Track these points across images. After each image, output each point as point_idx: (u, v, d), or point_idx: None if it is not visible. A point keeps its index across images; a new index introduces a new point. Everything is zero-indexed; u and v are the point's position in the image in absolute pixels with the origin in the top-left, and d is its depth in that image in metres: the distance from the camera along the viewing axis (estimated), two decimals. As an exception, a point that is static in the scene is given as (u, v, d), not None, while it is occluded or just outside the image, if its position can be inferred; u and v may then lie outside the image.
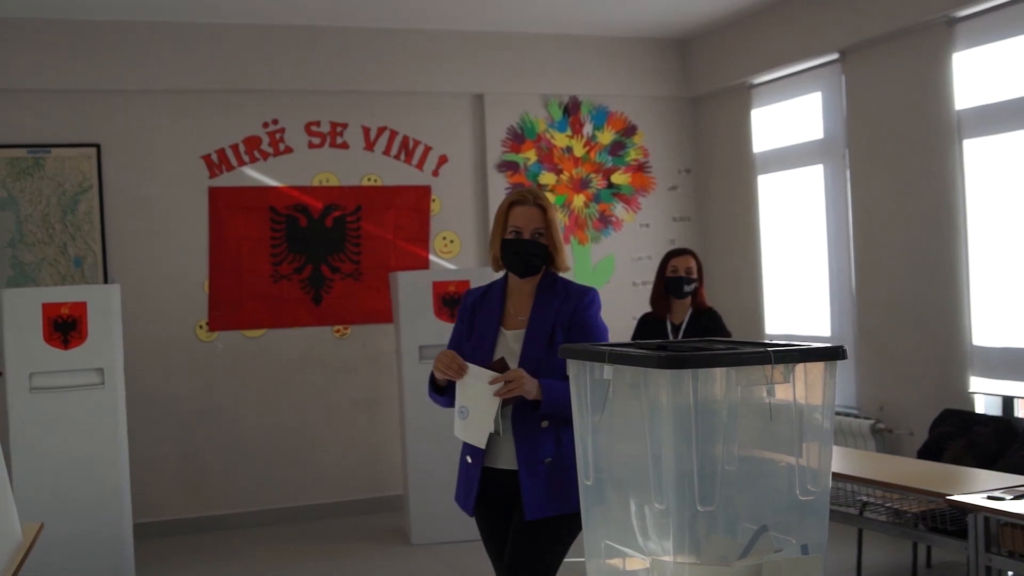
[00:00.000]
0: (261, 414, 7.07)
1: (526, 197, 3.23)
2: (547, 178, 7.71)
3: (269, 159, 7.13)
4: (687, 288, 5.28)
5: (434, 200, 7.48)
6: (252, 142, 7.09)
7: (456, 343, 3.30)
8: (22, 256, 6.57)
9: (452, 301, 6.41)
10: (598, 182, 7.85)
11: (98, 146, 6.73)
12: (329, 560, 6.09)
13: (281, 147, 7.15)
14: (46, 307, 5.57)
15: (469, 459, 3.20)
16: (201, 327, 6.96)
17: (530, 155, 7.68)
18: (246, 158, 7.08)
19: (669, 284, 5.32)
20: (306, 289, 7.20)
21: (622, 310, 7.84)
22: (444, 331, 6.35)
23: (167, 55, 6.83)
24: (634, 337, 5.44)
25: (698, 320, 5.31)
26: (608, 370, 2.27)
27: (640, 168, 7.97)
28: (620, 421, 2.33)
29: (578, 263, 7.78)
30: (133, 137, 6.83)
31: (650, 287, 8.07)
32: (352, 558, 6.12)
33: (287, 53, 7.07)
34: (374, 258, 7.32)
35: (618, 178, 7.90)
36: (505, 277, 3.31)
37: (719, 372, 2.09)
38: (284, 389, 7.11)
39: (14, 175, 6.56)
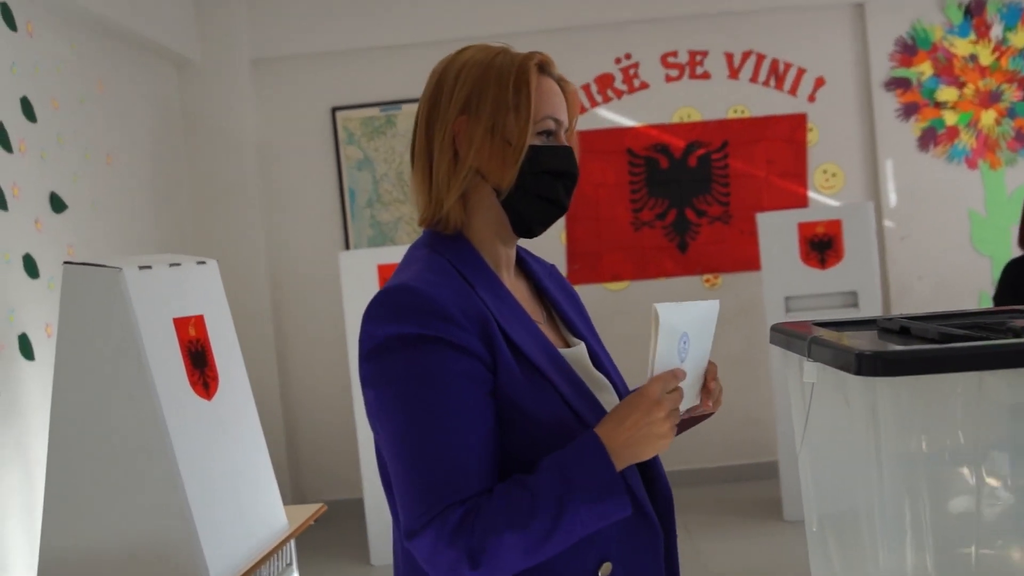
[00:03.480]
0: (626, 373, 6.51)
1: (551, 63, 1.62)
2: (947, 94, 6.52)
3: (623, 97, 6.54)
4: None
5: (811, 129, 6.55)
6: (604, 80, 6.54)
7: (504, 403, 1.48)
8: (380, 216, 6.46)
9: (822, 245, 5.52)
10: (1012, 94, 6.53)
11: (447, 97, 6.47)
12: (685, 533, 5.40)
13: (636, 83, 6.54)
14: (380, 268, 5.35)
15: None
16: (560, 282, 6.53)
17: (924, 68, 6.53)
18: (599, 98, 6.54)
19: None
20: (670, 236, 6.55)
21: (1050, 245, 6.53)
22: (811, 280, 5.55)
23: (511, -4, 6.44)
24: (1000, 288, 4.22)
25: None
26: (810, 370, 1.49)
27: (1067, 72, 6.57)
28: (829, 444, 1.55)
29: (989, 192, 6.54)
30: (482, 85, 6.51)
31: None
32: (712, 531, 5.43)
33: (637, -22, 6.45)
34: (744, 198, 6.53)
35: (1038, 87, 6.56)
36: (463, 244, 1.61)
37: (962, 379, 1.27)
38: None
39: (368, 135, 6.45)
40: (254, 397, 6.13)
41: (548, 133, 1.58)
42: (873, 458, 1.39)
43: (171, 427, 2.68)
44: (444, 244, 1.59)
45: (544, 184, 1.58)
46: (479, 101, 1.55)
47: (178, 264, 3.06)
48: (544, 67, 1.60)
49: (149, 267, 2.86)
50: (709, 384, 1.60)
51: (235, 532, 2.90)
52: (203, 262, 3.25)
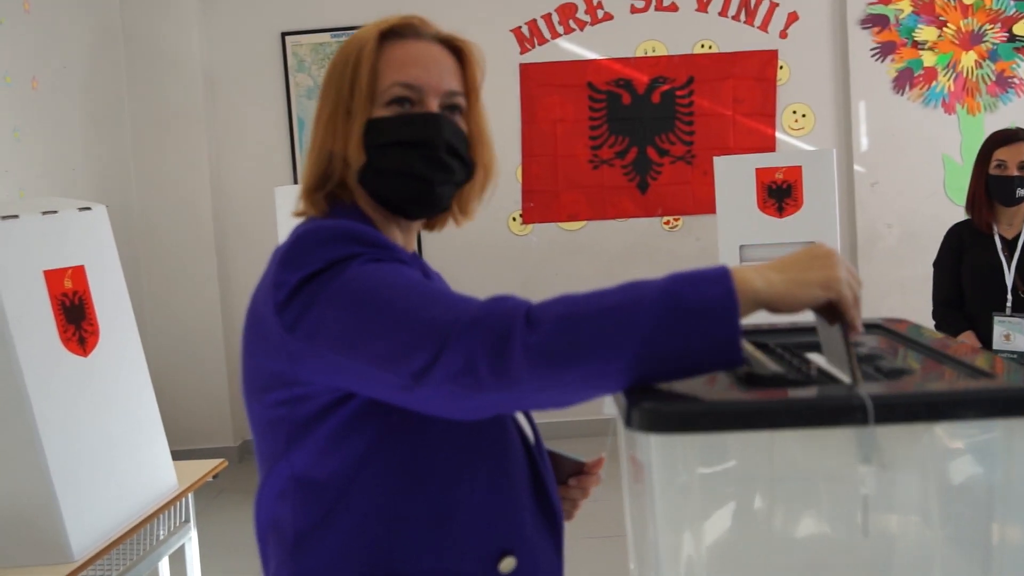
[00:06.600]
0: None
1: (413, 25, 1.44)
2: (926, 33, 6.22)
3: (586, 29, 6.26)
4: (1022, 192, 3.74)
5: (781, 67, 6.27)
6: (566, 10, 6.25)
7: None
8: (330, 147, 6.26)
9: (780, 192, 5.27)
10: (995, 35, 6.23)
11: (401, 24, 6.21)
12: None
13: (599, 14, 6.26)
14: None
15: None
16: (515, 219, 6.33)
17: (903, 5, 6.22)
18: (560, 29, 6.26)
19: (992, 185, 3.74)
20: (630, 175, 6.32)
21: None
22: (768, 228, 5.31)
23: (472, -83, 6.13)
24: (941, 257, 3.96)
25: None
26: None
27: (1054, 13, 6.25)
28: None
29: (967, 139, 6.27)
30: (439, 13, 6.17)
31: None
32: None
33: (603, -98, 6.13)
34: (709, 138, 6.28)
35: (1023, 28, 6.24)
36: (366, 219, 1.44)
37: (750, 439, 1.10)
38: (607, 289, 6.33)
39: (319, 61, 6.20)
40: (195, 334, 6.07)
41: (403, 101, 1.40)
42: (649, 515, 1.22)
43: (31, 384, 2.55)
44: (343, 214, 1.42)
45: (393, 157, 1.39)
46: (327, 82, 1.44)
47: (54, 212, 2.88)
48: (400, 31, 1.42)
49: (16, 216, 2.70)
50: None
51: (107, 494, 2.77)
52: (87, 208, 3.07)
